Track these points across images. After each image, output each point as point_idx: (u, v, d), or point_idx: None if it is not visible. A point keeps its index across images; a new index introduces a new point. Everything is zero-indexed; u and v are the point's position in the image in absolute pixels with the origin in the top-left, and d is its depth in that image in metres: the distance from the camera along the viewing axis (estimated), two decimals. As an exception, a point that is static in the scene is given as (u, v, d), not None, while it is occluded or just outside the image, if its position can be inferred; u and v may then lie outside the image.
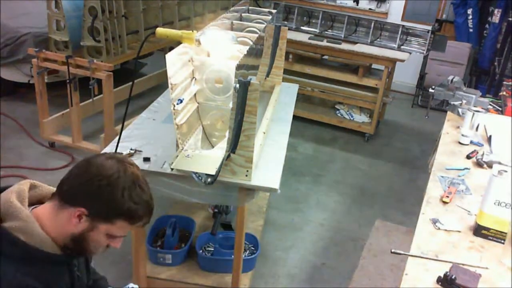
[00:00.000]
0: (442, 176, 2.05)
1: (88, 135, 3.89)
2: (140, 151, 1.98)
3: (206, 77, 1.86)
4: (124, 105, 2.13)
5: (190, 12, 4.53)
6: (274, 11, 2.82)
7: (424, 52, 4.49)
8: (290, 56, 4.62)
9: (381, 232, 3.17)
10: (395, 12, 5.93)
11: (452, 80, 2.80)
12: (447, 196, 1.85)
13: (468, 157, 2.26)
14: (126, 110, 1.98)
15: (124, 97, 3.88)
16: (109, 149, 1.97)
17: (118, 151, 1.94)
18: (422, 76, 5.71)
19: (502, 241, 1.61)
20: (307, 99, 5.03)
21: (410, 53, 4.45)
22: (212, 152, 1.88)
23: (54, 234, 1.18)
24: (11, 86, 4.44)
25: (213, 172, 1.70)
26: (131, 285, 1.55)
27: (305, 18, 4.85)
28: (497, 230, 1.60)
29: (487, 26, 5.44)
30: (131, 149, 1.97)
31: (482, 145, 2.42)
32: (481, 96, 2.85)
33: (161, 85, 4.69)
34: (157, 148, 2.03)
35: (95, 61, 3.28)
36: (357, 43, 4.56)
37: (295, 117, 2.87)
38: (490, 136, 2.46)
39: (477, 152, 2.27)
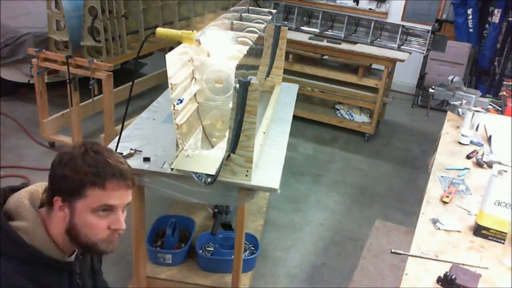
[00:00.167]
0: (442, 176, 2.05)
1: (88, 135, 3.89)
2: (140, 151, 1.98)
3: (206, 77, 1.86)
4: (124, 105, 2.13)
5: (190, 12, 4.53)
6: (274, 11, 2.82)
7: (424, 52, 4.49)
8: (290, 56, 4.62)
9: (381, 232, 3.17)
10: (395, 12, 5.93)
11: (452, 80, 2.80)
12: (447, 196, 1.85)
13: (468, 157, 2.26)
14: (126, 110, 1.98)
15: (124, 97, 3.88)
16: (109, 149, 1.97)
17: (118, 151, 1.94)
18: (422, 76, 5.71)
19: (502, 241, 1.61)
20: (307, 99, 5.03)
21: (410, 53, 4.45)
22: (212, 152, 1.88)
23: (57, 238, 1.17)
24: (11, 86, 4.44)
25: (213, 172, 1.70)
26: None
27: (305, 18, 4.85)
28: (497, 230, 1.60)
29: (487, 26, 5.44)
30: (131, 149, 1.97)
31: (482, 145, 2.42)
32: (481, 96, 2.85)
33: (161, 85, 4.69)
34: (157, 148, 2.03)
35: (95, 61, 3.28)
36: (357, 43, 4.56)
37: (295, 117, 2.86)
38: (490, 136, 2.46)
39: (477, 152, 2.27)
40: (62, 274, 1.22)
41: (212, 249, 2.55)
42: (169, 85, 1.64)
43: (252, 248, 2.63)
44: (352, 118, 4.82)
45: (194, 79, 1.87)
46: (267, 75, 2.76)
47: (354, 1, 6.07)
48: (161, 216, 2.69)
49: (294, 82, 3.55)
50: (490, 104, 3.02)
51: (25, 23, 4.22)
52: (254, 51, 2.12)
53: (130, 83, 2.52)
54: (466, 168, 2.14)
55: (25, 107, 4.32)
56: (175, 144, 1.77)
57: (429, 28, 4.52)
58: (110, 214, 1.17)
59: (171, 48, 2.38)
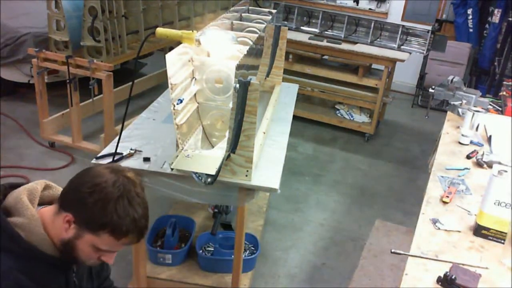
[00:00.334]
0: (442, 176, 2.05)
1: (88, 135, 3.89)
2: (140, 151, 1.98)
3: (206, 77, 1.86)
4: (124, 105, 2.12)
5: (190, 12, 4.53)
6: (274, 11, 2.82)
7: (424, 52, 4.49)
8: (290, 56, 4.62)
9: (381, 232, 3.17)
10: (395, 12, 5.93)
11: (452, 80, 2.80)
12: (447, 196, 1.85)
13: (468, 157, 2.26)
14: (126, 110, 1.97)
15: (124, 97, 3.88)
16: (109, 149, 1.97)
17: (118, 151, 1.94)
18: (422, 76, 5.71)
19: (502, 241, 1.61)
20: (307, 99, 5.03)
21: (410, 53, 4.45)
22: (212, 152, 1.88)
23: (53, 237, 1.18)
24: (11, 86, 4.44)
25: (213, 172, 1.70)
26: None
27: (305, 18, 4.85)
28: (497, 230, 1.60)
29: (487, 26, 5.44)
30: (131, 149, 1.97)
31: (482, 145, 2.42)
32: (481, 96, 2.85)
33: (161, 85, 4.69)
34: (157, 148, 2.02)
35: (95, 61, 3.28)
36: (357, 43, 4.56)
37: (295, 117, 2.86)
38: (490, 136, 2.46)
39: (477, 152, 2.27)
40: (59, 271, 1.23)
41: (212, 249, 2.55)
42: (169, 85, 1.64)
43: (252, 248, 2.63)
44: (352, 118, 4.82)
45: (194, 79, 1.87)
46: (267, 75, 2.76)
47: (354, 1, 6.07)
48: (161, 216, 2.69)
49: (294, 82, 3.54)
50: (490, 104, 3.02)
51: (25, 23, 4.22)
52: (254, 51, 2.12)
53: (130, 83, 2.52)
54: (466, 168, 2.14)
55: (25, 107, 4.32)
56: (175, 144, 1.77)
57: (429, 28, 4.52)
58: (105, 251, 1.20)
59: (171, 48, 2.39)
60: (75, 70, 3.32)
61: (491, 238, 1.62)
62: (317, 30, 4.74)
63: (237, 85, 1.58)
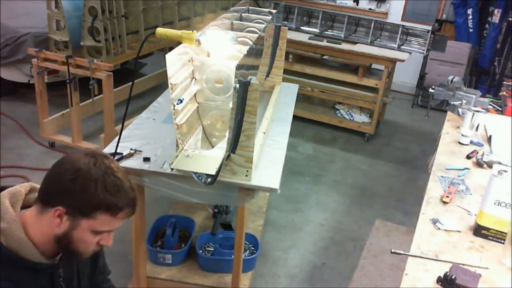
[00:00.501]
0: (442, 176, 2.05)
1: (88, 135, 3.89)
2: (140, 151, 1.98)
3: (206, 77, 1.86)
4: (124, 105, 2.13)
5: (190, 12, 4.53)
6: (274, 11, 2.82)
7: (424, 52, 4.49)
8: (290, 56, 4.62)
9: (381, 232, 3.17)
10: (395, 12, 5.93)
11: (452, 80, 2.80)
12: (447, 196, 1.85)
13: (468, 157, 2.26)
14: (126, 110, 1.98)
15: (124, 97, 3.88)
16: (109, 149, 1.97)
17: (118, 151, 1.94)
18: (422, 76, 5.71)
19: (502, 241, 1.61)
20: (307, 99, 5.03)
21: (410, 53, 4.45)
22: (212, 152, 1.88)
23: (39, 240, 1.14)
24: (11, 86, 4.44)
25: (213, 172, 1.70)
26: None
27: (305, 18, 4.85)
28: (497, 230, 1.60)
29: (487, 26, 5.44)
30: (131, 149, 1.97)
31: (482, 145, 2.42)
32: (481, 96, 2.85)
33: (161, 85, 4.69)
34: (157, 148, 2.03)
35: (95, 61, 3.28)
36: (357, 43, 4.56)
37: (295, 117, 2.86)
38: (490, 136, 2.46)
39: (477, 152, 2.27)
40: (43, 277, 1.19)
41: (212, 249, 2.55)
42: (169, 85, 1.64)
43: (252, 248, 2.63)
44: (352, 118, 4.82)
45: (194, 79, 1.87)
46: (267, 75, 2.76)
47: (354, 1, 6.07)
48: (161, 216, 2.69)
49: (294, 82, 3.55)
50: (490, 104, 3.02)
51: (25, 23, 4.22)
52: (254, 51, 2.12)
53: (130, 83, 2.52)
54: (466, 168, 2.14)
55: (25, 107, 4.32)
56: (175, 144, 1.77)
57: (429, 28, 4.52)
58: (105, 233, 1.18)
59: (171, 48, 2.39)
60: (75, 70, 3.32)
61: (491, 238, 1.62)
62: (317, 30, 4.74)
63: (237, 85, 1.58)
